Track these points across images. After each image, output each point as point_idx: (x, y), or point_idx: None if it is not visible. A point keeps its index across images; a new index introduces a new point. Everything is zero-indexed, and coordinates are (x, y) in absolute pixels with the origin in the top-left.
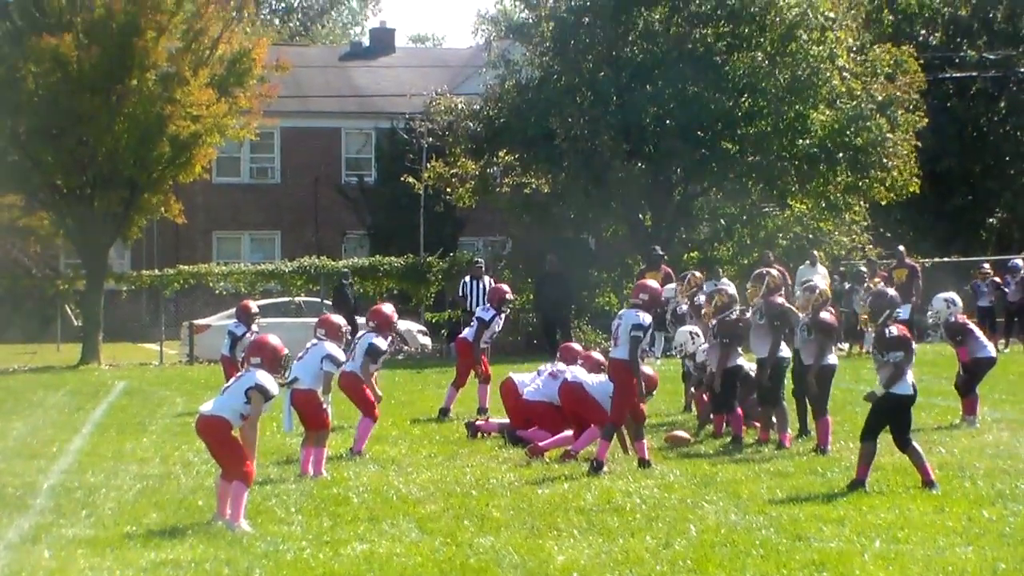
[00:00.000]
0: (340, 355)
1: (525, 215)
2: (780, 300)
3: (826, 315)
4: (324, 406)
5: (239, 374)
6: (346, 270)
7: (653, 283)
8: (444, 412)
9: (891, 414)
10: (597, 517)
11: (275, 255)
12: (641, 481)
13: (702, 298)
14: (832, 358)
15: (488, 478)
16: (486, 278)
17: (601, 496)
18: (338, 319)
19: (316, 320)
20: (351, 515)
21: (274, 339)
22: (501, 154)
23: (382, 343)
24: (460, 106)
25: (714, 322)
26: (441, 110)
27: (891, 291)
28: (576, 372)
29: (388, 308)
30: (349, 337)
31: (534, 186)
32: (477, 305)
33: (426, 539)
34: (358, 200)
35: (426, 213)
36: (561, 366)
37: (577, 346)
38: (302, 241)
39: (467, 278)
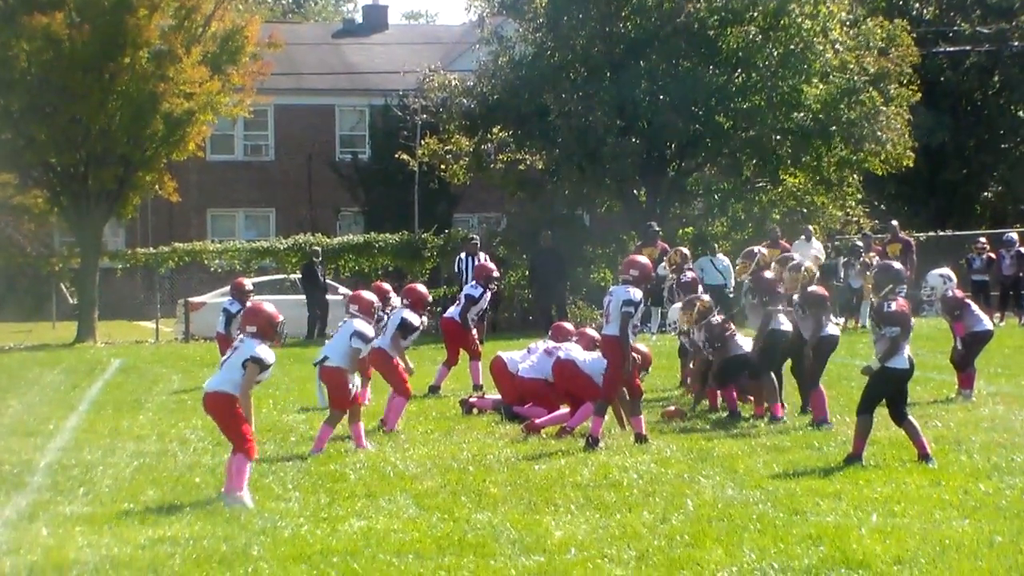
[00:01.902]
0: (369, 331)
1: (519, 192)
2: (768, 275)
3: (814, 288)
4: (349, 385)
5: (235, 344)
6: (316, 248)
7: (642, 258)
8: (434, 389)
9: (887, 388)
10: (594, 492)
11: (269, 232)
12: (638, 456)
13: (689, 274)
14: (832, 329)
15: (485, 454)
16: (481, 255)
17: (598, 471)
18: (370, 295)
19: (348, 296)
20: (348, 491)
21: (268, 306)
22: (495, 131)
23: (415, 319)
24: (454, 83)
25: (701, 332)
26: (435, 87)
27: (898, 265)
28: (570, 349)
29: (422, 287)
30: (381, 314)
31: (528, 162)
32: (471, 280)
33: (423, 515)
34: (352, 177)
35: (420, 190)
36: (552, 344)
37: (568, 325)
38: (296, 218)
39: (462, 255)
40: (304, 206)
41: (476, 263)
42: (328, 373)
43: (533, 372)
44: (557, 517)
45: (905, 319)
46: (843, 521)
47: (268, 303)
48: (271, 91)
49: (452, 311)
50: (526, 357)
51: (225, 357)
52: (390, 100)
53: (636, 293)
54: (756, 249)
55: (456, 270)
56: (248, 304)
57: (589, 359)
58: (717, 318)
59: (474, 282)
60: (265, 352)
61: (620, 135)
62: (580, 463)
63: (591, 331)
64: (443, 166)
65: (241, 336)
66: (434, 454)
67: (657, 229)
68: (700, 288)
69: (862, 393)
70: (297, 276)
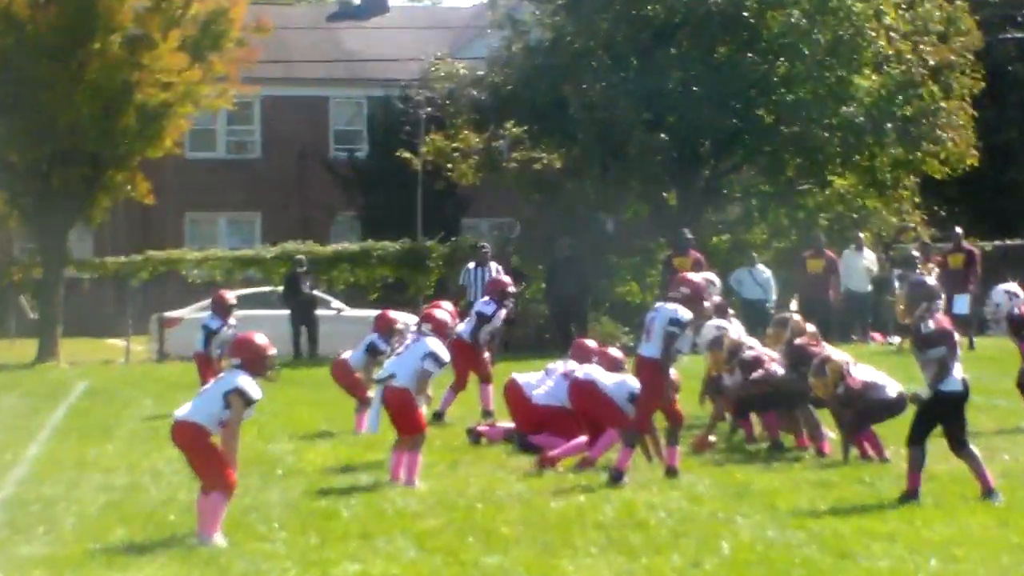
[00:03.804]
0: (445, 354)
1: (535, 194)
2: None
3: (800, 342)
4: (420, 407)
5: (220, 375)
6: (300, 257)
7: (695, 276)
8: (439, 416)
9: (941, 415)
10: (617, 533)
11: (255, 239)
12: (667, 493)
13: (716, 298)
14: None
15: (495, 489)
16: (492, 265)
17: (622, 510)
18: (443, 315)
19: (422, 315)
20: (341, 531)
21: (260, 338)
22: (508, 125)
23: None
24: (462, 72)
25: (735, 374)
26: (441, 77)
27: (930, 279)
28: (589, 370)
29: (442, 313)
30: (455, 336)
31: (545, 161)
32: (481, 295)
33: (425, 558)
34: (348, 177)
35: (424, 192)
36: (573, 365)
37: (591, 342)
38: (285, 223)
39: (471, 265)
40: (294, 210)
41: (487, 275)
42: (394, 396)
43: (549, 398)
44: (576, 560)
45: (948, 336)
46: (898, 566)
47: (260, 334)
48: (258, 81)
49: (462, 329)
50: (543, 381)
51: (205, 386)
52: (391, 91)
53: (685, 313)
54: (788, 316)
55: (463, 283)
56: (231, 328)
57: (612, 382)
58: (749, 352)
59: (486, 298)
60: (250, 385)
61: (648, 131)
62: (602, 500)
63: (615, 351)
64: (450, 165)
65: (228, 368)
66: (438, 489)
67: (690, 236)
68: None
69: (912, 422)
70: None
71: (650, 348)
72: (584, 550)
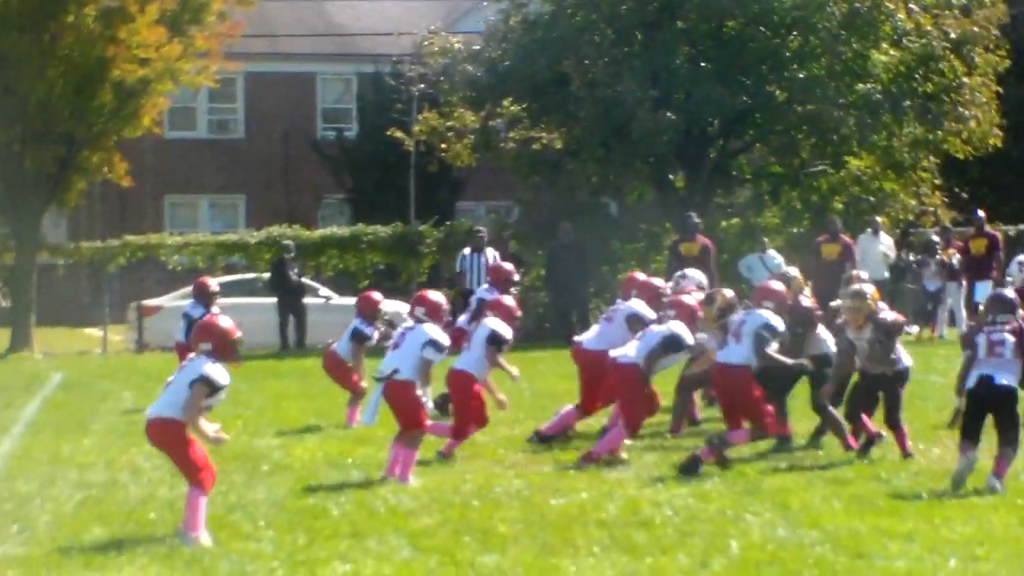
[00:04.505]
0: (444, 339)
1: (534, 176)
2: (805, 301)
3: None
4: (423, 399)
5: (183, 364)
6: (287, 242)
7: (776, 285)
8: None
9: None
10: (621, 532)
11: (239, 223)
12: (673, 490)
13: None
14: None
15: (492, 486)
16: (488, 250)
17: (626, 507)
18: (438, 297)
19: (414, 298)
20: (331, 530)
21: (224, 320)
22: (506, 103)
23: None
24: (457, 47)
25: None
26: (435, 52)
27: (1010, 293)
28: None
29: (436, 295)
30: (450, 318)
31: (545, 141)
32: (478, 283)
33: (419, 558)
34: (337, 158)
35: (417, 174)
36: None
37: (640, 275)
38: (271, 207)
39: (466, 250)
40: (280, 193)
41: (484, 261)
42: (397, 390)
43: (598, 343)
44: (577, 560)
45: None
46: (916, 566)
47: (224, 316)
48: (241, 56)
49: (463, 320)
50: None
51: (171, 377)
52: (382, 67)
53: (778, 321)
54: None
55: (458, 269)
56: (205, 315)
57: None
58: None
59: (488, 285)
60: (217, 372)
61: (653, 109)
62: (605, 497)
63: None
64: (444, 145)
65: (192, 355)
66: (432, 486)
67: (697, 221)
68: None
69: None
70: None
71: (736, 353)
72: (586, 549)
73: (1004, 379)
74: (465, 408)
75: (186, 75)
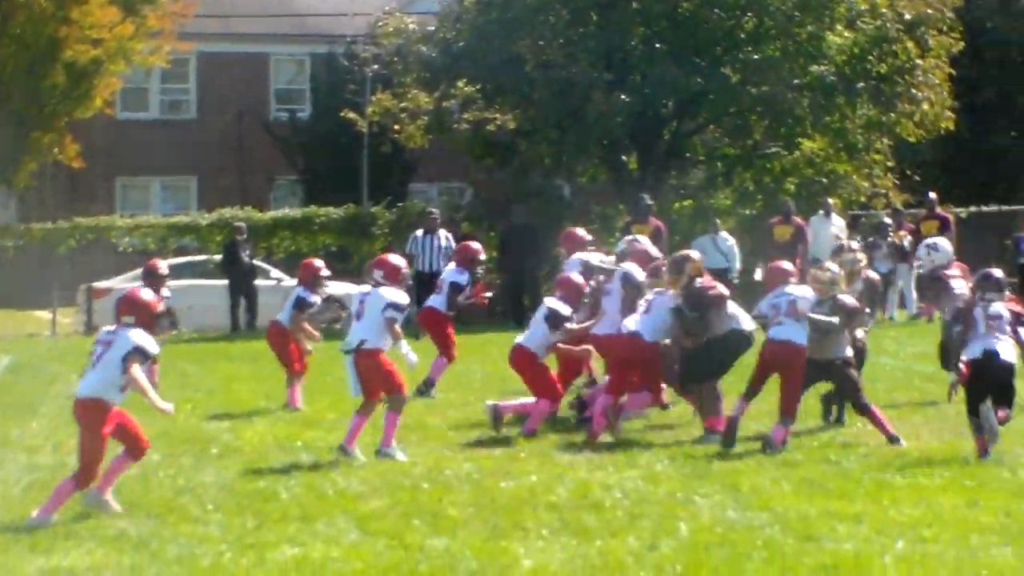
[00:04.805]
0: (404, 298)
1: (487, 157)
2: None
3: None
4: (408, 353)
5: (104, 338)
6: (239, 224)
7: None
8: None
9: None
10: (571, 515)
11: (190, 205)
12: (623, 472)
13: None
14: (735, 324)
15: (442, 469)
16: (441, 232)
17: (576, 490)
18: (397, 259)
19: (374, 260)
20: (279, 513)
21: (146, 293)
22: (460, 84)
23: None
24: (411, 27)
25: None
26: (389, 32)
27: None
28: (634, 320)
29: (396, 257)
30: (410, 282)
31: (498, 123)
32: (430, 264)
33: (368, 541)
34: (289, 140)
35: (370, 155)
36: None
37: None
38: (223, 188)
39: (419, 232)
40: (232, 174)
41: (438, 243)
42: (366, 358)
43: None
44: (527, 543)
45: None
46: (864, 548)
47: (146, 290)
48: (194, 36)
49: (435, 300)
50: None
51: (96, 354)
52: (335, 48)
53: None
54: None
55: (410, 251)
56: (164, 300)
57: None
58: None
59: (458, 266)
60: (148, 341)
61: (608, 90)
62: (555, 480)
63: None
64: (397, 127)
65: (115, 328)
66: (382, 469)
67: (650, 202)
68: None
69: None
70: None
71: (786, 330)
72: (536, 532)
73: (1007, 356)
74: (538, 384)
75: (139, 55)
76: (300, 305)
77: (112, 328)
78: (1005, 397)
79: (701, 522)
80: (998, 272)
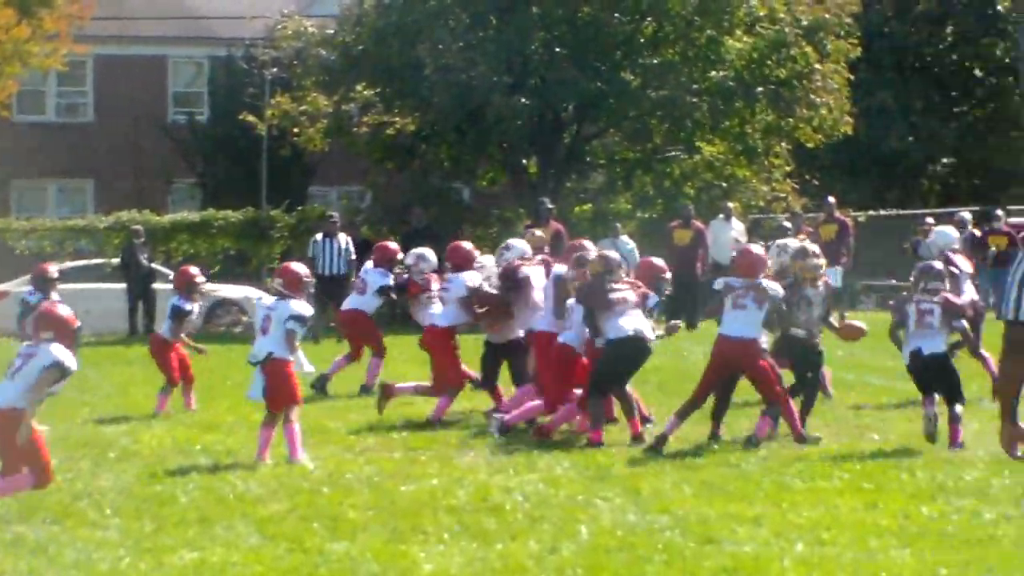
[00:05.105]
0: (307, 310)
1: (387, 161)
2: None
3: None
4: (304, 363)
5: (25, 350)
6: (136, 227)
7: (298, 267)
8: (366, 389)
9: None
10: (471, 518)
11: (87, 208)
12: (524, 475)
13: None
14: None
15: (342, 472)
16: (341, 236)
17: (476, 493)
18: (299, 267)
19: (277, 270)
20: (178, 517)
21: (64, 309)
22: (359, 88)
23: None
24: (311, 30)
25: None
26: (288, 35)
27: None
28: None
29: (299, 264)
30: (311, 290)
31: (398, 126)
32: (330, 268)
33: (268, 545)
34: (187, 143)
35: (269, 158)
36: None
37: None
38: (120, 191)
39: (318, 236)
40: (129, 177)
41: (336, 245)
42: (273, 368)
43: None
44: (427, 547)
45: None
46: (763, 551)
47: (62, 305)
48: (91, 39)
49: (357, 301)
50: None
51: (15, 367)
52: (234, 51)
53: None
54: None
55: (310, 254)
56: (44, 305)
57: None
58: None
59: (376, 266)
60: (69, 357)
61: (507, 94)
62: (455, 483)
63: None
64: (296, 130)
65: (32, 342)
66: (281, 473)
67: (550, 206)
68: None
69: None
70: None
71: (740, 327)
72: (436, 536)
73: (932, 348)
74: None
75: (35, 58)
76: (176, 314)
77: (32, 343)
78: (950, 392)
79: (601, 525)
80: (938, 264)
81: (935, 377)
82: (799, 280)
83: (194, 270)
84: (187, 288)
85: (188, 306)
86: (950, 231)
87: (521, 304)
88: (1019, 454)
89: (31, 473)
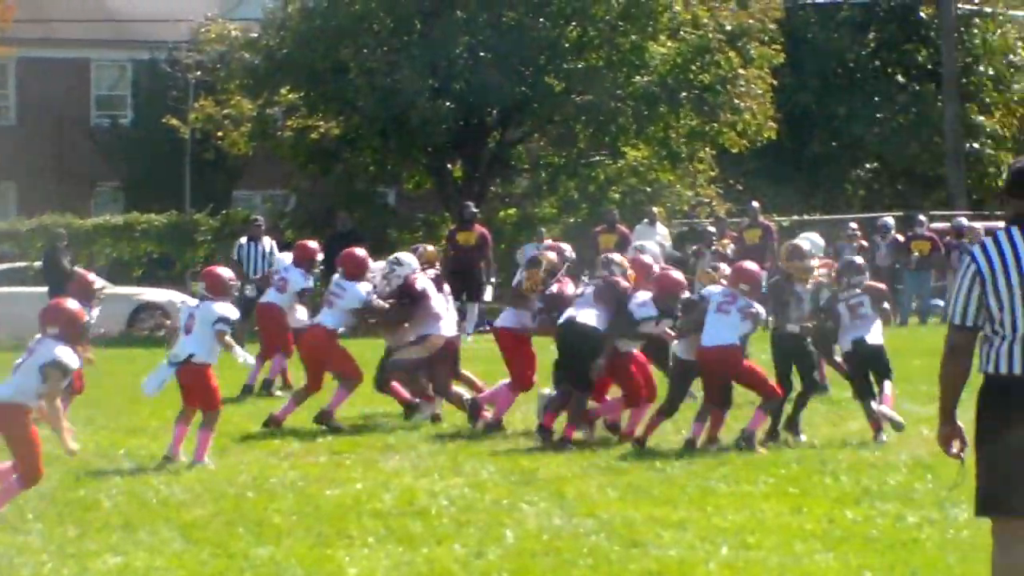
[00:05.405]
0: (234, 313)
1: (311, 165)
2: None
3: (555, 287)
4: (244, 357)
5: (31, 346)
6: (59, 230)
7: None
8: (267, 384)
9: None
10: (397, 522)
11: (9, 211)
12: (449, 479)
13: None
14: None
15: (267, 477)
16: (266, 239)
17: (401, 497)
18: (224, 271)
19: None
20: (102, 522)
21: (72, 303)
22: (283, 92)
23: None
24: (234, 34)
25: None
26: (212, 39)
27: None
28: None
29: (224, 269)
30: (237, 293)
31: (322, 130)
32: (255, 271)
33: (192, 549)
34: (111, 146)
35: (193, 162)
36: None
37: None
38: (43, 195)
39: (243, 239)
40: (52, 180)
41: (261, 248)
42: (194, 372)
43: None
44: (352, 551)
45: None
46: (688, 555)
47: (71, 300)
48: (13, 41)
49: (277, 297)
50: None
51: (19, 360)
52: (158, 54)
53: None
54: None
55: (235, 258)
56: (53, 299)
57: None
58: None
59: (295, 264)
60: (68, 355)
61: (432, 98)
62: (380, 487)
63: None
64: (220, 133)
65: (37, 337)
66: (205, 477)
67: (475, 210)
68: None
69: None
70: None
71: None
72: (361, 540)
73: (875, 338)
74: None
75: None
76: None
77: (38, 337)
78: (886, 370)
79: (527, 529)
80: (858, 259)
81: (875, 362)
82: (791, 278)
83: (92, 276)
84: (86, 294)
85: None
86: (815, 237)
87: (420, 316)
88: (955, 451)
89: (19, 474)
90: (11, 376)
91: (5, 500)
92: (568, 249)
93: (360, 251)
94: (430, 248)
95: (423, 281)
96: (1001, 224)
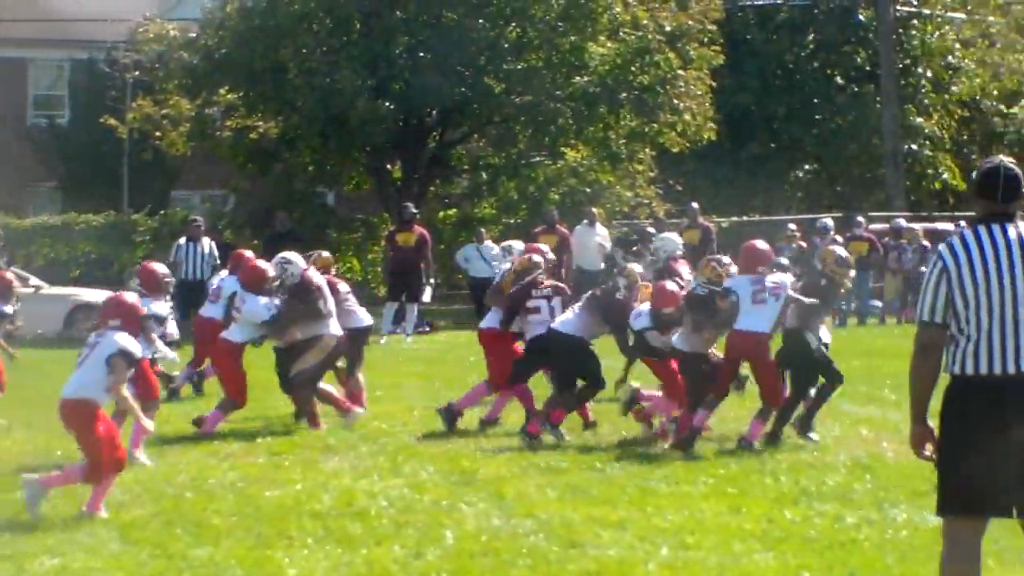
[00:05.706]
0: (133, 345)
1: (250, 165)
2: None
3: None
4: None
5: (92, 339)
6: None
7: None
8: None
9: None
10: (336, 523)
11: None
12: (388, 480)
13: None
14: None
15: (206, 477)
16: (205, 240)
17: (340, 498)
18: (159, 267)
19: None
20: (39, 523)
21: (130, 296)
22: (222, 92)
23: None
24: (173, 34)
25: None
26: (150, 39)
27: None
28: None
29: (162, 267)
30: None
31: (261, 130)
32: (193, 272)
33: (130, 550)
34: (48, 145)
35: (131, 162)
36: None
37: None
38: None
39: (182, 240)
40: None
41: (199, 249)
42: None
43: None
44: (291, 552)
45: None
46: (627, 555)
47: (130, 293)
48: None
49: (211, 311)
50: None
51: (82, 356)
52: (96, 54)
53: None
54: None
55: (173, 259)
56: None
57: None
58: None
59: (231, 273)
60: (133, 344)
61: (371, 98)
62: (319, 488)
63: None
64: (158, 133)
65: (100, 330)
66: (144, 477)
67: (414, 211)
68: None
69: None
70: None
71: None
72: (300, 541)
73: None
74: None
75: None
76: None
77: (99, 331)
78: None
79: (466, 530)
80: (784, 260)
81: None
82: (833, 281)
83: (10, 275)
84: (6, 292)
85: (6, 308)
86: (675, 238)
87: (311, 314)
88: (927, 454)
89: (84, 467)
90: (76, 373)
91: (99, 499)
92: (547, 252)
93: (260, 262)
94: (324, 254)
95: (318, 277)
96: (938, 225)
